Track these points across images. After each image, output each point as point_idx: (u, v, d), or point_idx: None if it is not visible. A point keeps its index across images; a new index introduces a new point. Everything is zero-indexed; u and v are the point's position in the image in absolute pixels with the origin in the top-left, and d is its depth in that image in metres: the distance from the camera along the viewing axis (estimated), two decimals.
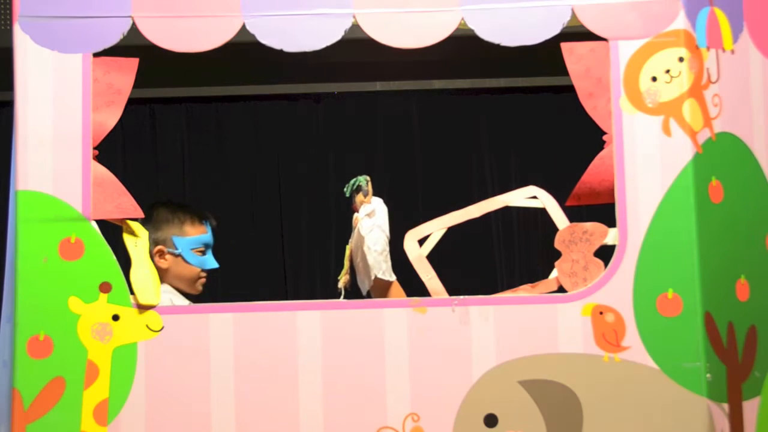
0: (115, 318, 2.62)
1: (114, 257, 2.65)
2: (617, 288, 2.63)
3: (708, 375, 2.59)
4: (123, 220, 2.74)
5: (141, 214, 2.72)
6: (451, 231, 2.99)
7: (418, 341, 2.62)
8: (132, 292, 2.65)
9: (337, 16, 2.68)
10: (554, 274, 2.90)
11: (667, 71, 2.67)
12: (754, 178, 2.73)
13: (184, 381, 2.62)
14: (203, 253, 3.38)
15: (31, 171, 2.64)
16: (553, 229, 2.99)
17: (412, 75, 5.86)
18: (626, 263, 2.63)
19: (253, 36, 2.67)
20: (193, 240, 3.35)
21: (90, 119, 2.66)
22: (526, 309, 2.65)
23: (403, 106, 6.03)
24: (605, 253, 2.76)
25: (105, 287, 2.63)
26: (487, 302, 2.65)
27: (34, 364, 2.60)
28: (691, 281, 2.62)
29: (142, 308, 2.64)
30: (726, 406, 2.61)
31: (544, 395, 2.61)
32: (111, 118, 2.71)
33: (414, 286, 2.93)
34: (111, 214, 2.68)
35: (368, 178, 3.11)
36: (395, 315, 2.63)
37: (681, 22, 2.67)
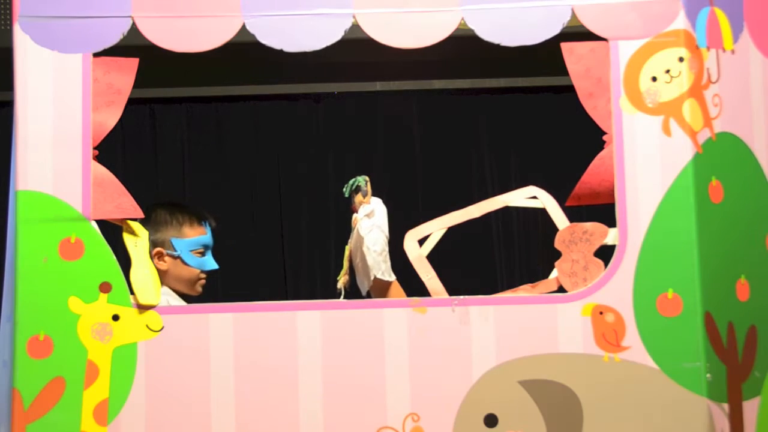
0: (115, 318, 2.62)
1: (114, 257, 2.65)
2: (617, 288, 2.63)
3: (708, 375, 2.59)
4: (123, 220, 2.74)
5: (141, 215, 2.72)
6: (451, 231, 2.99)
7: (418, 341, 2.62)
8: (132, 292, 2.65)
9: (337, 16, 2.67)
10: (554, 274, 2.90)
11: (667, 71, 2.67)
12: (754, 178, 2.73)
13: (184, 381, 2.62)
14: (202, 254, 3.37)
15: (31, 171, 2.64)
16: (553, 229, 2.99)
17: (412, 75, 5.86)
18: (626, 263, 2.63)
19: (253, 36, 2.67)
20: (191, 241, 3.34)
21: (90, 119, 2.66)
22: (526, 309, 2.65)
23: (403, 106, 6.03)
24: (605, 253, 2.76)
25: (105, 287, 2.63)
26: (487, 302, 2.65)
27: (34, 364, 2.60)
28: (691, 281, 2.62)
29: (142, 308, 2.64)
30: (726, 406, 2.61)
31: (544, 395, 2.61)
32: (111, 118, 2.71)
33: (414, 286, 2.93)
34: (111, 214, 2.68)
35: (367, 178, 3.11)
36: (395, 315, 2.63)
37: (681, 22, 2.67)
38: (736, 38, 2.73)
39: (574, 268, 2.81)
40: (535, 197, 3.13)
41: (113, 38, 2.67)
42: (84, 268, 2.63)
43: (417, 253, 2.87)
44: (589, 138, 3.12)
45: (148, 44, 2.66)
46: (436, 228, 2.97)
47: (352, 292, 3.11)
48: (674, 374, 2.60)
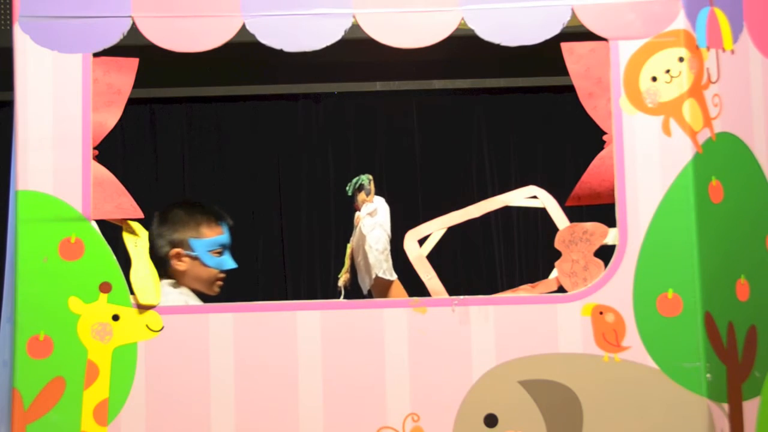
0: (115, 318, 2.62)
1: (114, 257, 2.65)
2: (617, 288, 2.63)
3: (708, 375, 2.59)
4: (123, 220, 2.74)
5: (141, 215, 2.72)
6: (451, 231, 2.99)
7: (418, 341, 2.62)
8: (132, 292, 2.65)
9: (337, 16, 2.67)
10: (554, 274, 2.90)
11: (667, 71, 2.67)
12: (754, 178, 2.73)
13: (184, 381, 2.62)
14: (220, 254, 3.36)
15: (31, 171, 2.64)
16: (553, 229, 2.99)
17: (412, 75, 5.86)
18: (626, 263, 2.63)
19: (253, 36, 2.67)
20: (209, 242, 3.33)
21: (90, 119, 2.66)
22: (526, 309, 2.65)
23: (403, 106, 6.03)
24: (605, 253, 2.76)
25: (105, 287, 2.63)
26: (487, 302, 2.65)
27: (34, 364, 2.60)
28: (691, 281, 2.62)
29: (142, 308, 2.64)
30: (726, 406, 2.61)
31: (544, 395, 2.61)
32: (111, 118, 2.71)
33: (414, 286, 2.93)
34: (111, 214, 2.68)
35: (371, 177, 3.11)
36: (395, 315, 2.63)
37: (681, 22, 2.67)
38: (735, 38, 2.73)
39: (574, 268, 2.81)
40: (535, 197, 3.13)
41: (113, 38, 2.67)
42: (84, 268, 2.63)
43: (417, 253, 2.87)
44: (589, 138, 3.13)
45: (148, 44, 2.66)
46: (436, 228, 2.97)
47: (353, 291, 3.12)
48: (674, 374, 2.60)
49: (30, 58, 2.66)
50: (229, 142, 5.99)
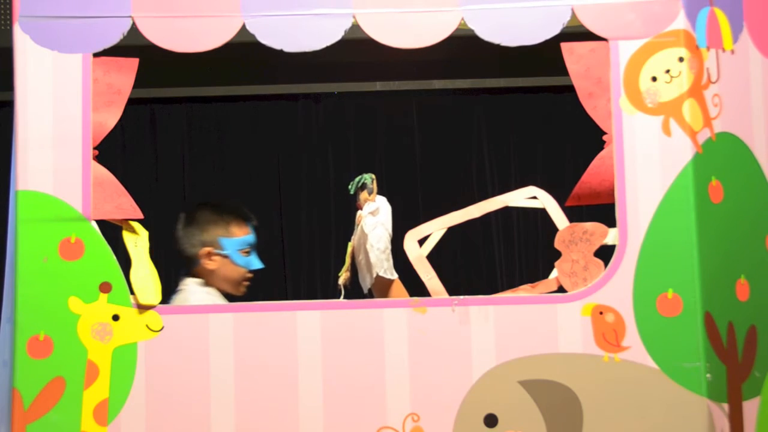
0: (115, 318, 2.63)
1: (114, 257, 2.65)
2: (617, 288, 2.63)
3: (708, 375, 2.59)
4: (123, 220, 2.74)
5: (141, 215, 2.72)
6: (451, 231, 2.99)
7: (418, 341, 2.62)
8: (132, 292, 2.65)
9: (337, 16, 2.68)
10: (554, 274, 2.90)
11: (667, 71, 2.67)
12: (754, 178, 2.73)
13: (184, 381, 2.62)
14: (248, 253, 3.37)
15: (31, 171, 2.64)
16: (553, 229, 2.99)
17: (412, 75, 5.86)
18: (626, 263, 2.63)
19: (253, 36, 2.67)
20: (239, 241, 3.34)
21: (90, 119, 2.66)
22: (526, 309, 2.65)
23: (403, 106, 6.03)
24: (605, 253, 2.76)
25: (105, 287, 2.63)
26: (487, 302, 2.65)
27: (34, 364, 2.60)
28: (691, 281, 2.62)
29: (142, 308, 2.64)
30: (726, 406, 2.61)
31: (544, 395, 2.61)
32: (111, 118, 2.71)
33: (414, 286, 2.93)
34: (111, 214, 2.69)
35: (373, 176, 3.12)
36: (395, 315, 2.63)
37: (681, 22, 2.67)
38: (735, 38, 2.73)
39: (574, 268, 2.81)
40: (535, 197, 3.13)
41: (113, 38, 2.67)
42: (84, 268, 2.63)
43: (417, 253, 2.87)
44: (589, 138, 3.13)
45: (148, 44, 2.66)
46: (436, 228, 2.97)
47: (353, 290, 3.12)
48: (674, 374, 2.60)
49: (30, 58, 2.66)
50: (229, 142, 6.00)
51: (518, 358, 2.62)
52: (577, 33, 2.71)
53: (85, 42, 2.67)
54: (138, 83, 2.73)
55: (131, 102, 2.77)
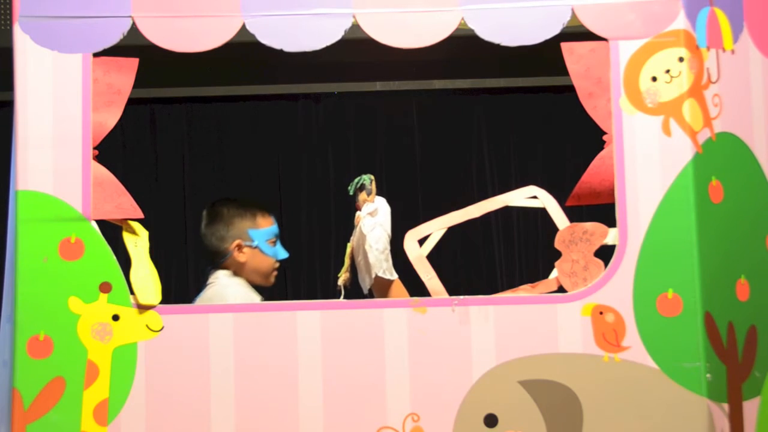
0: (115, 318, 2.63)
1: (114, 257, 2.65)
2: (617, 288, 2.63)
3: (708, 375, 2.59)
4: (123, 220, 2.74)
5: (141, 215, 2.72)
6: (451, 231, 2.99)
7: (418, 341, 2.62)
8: (132, 292, 2.65)
9: (337, 16, 2.67)
10: (554, 274, 2.90)
11: (667, 71, 2.67)
12: (754, 178, 2.73)
13: (184, 381, 2.62)
14: (274, 243, 3.42)
15: (31, 171, 2.64)
16: (553, 229, 2.99)
17: (412, 75, 5.86)
18: (626, 263, 2.63)
19: (253, 36, 2.67)
20: (267, 231, 3.40)
21: (90, 119, 2.66)
22: (526, 309, 2.65)
23: (403, 106, 6.03)
24: (605, 253, 2.76)
25: (105, 287, 2.63)
26: (487, 302, 2.65)
27: (34, 364, 2.60)
28: (691, 281, 2.62)
29: (142, 308, 2.64)
30: (726, 406, 2.61)
31: (544, 395, 2.61)
32: (111, 118, 2.71)
33: (414, 286, 2.93)
34: (111, 214, 2.69)
35: (372, 177, 3.13)
36: (395, 315, 2.63)
37: (681, 22, 2.67)
38: (736, 38, 2.73)
39: (574, 268, 2.81)
40: (535, 197, 3.13)
41: (113, 38, 2.67)
42: (84, 268, 2.63)
43: (417, 253, 2.87)
44: (589, 138, 3.12)
45: (148, 44, 2.66)
46: (436, 228, 2.97)
47: (353, 290, 3.12)
48: (674, 374, 2.60)
49: (30, 58, 2.66)
50: (229, 142, 6.00)
51: (518, 358, 2.62)
52: (577, 33, 2.71)
53: (85, 42, 2.67)
54: (138, 83, 2.73)
55: (131, 102, 2.77)
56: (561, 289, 2.83)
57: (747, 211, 2.70)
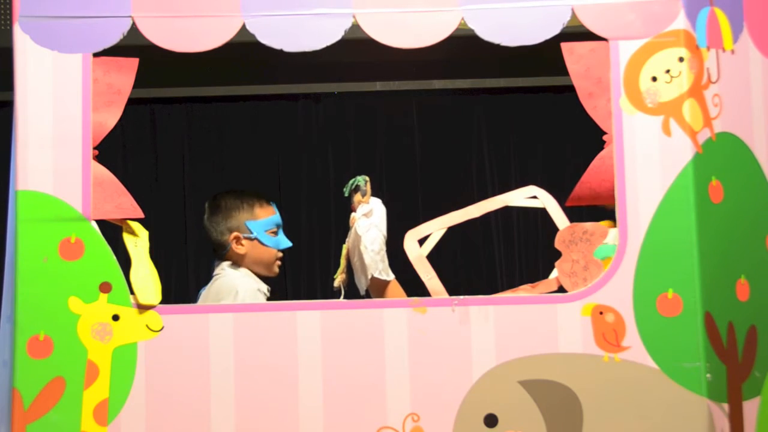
0: (115, 318, 2.62)
1: (114, 257, 2.65)
2: (617, 288, 2.63)
3: (708, 375, 2.59)
4: (123, 220, 2.74)
5: (141, 215, 2.72)
6: (451, 231, 2.99)
7: (418, 341, 2.62)
8: (132, 292, 2.65)
9: (337, 16, 2.67)
10: (554, 274, 2.90)
11: (667, 71, 2.67)
12: (754, 178, 2.73)
13: (184, 381, 2.62)
14: (275, 233, 3.41)
15: (31, 171, 2.64)
16: (553, 229, 2.99)
17: (412, 75, 5.86)
18: (626, 263, 2.63)
19: (253, 36, 2.67)
20: (265, 222, 3.39)
21: (90, 119, 2.66)
22: (526, 309, 2.65)
23: (403, 106, 6.03)
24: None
25: (105, 287, 2.63)
26: (487, 302, 2.65)
27: (34, 364, 2.60)
28: (691, 281, 2.62)
29: (142, 308, 2.64)
30: (726, 406, 2.61)
31: (544, 395, 2.61)
32: (111, 118, 2.71)
33: (414, 286, 2.93)
34: (111, 214, 2.69)
35: (367, 178, 3.12)
36: (395, 315, 2.63)
37: (681, 22, 2.67)
38: (736, 38, 2.73)
39: (574, 268, 2.81)
40: (535, 197, 3.13)
41: (113, 38, 2.67)
42: (84, 268, 2.63)
43: (417, 253, 2.87)
44: (589, 138, 3.12)
45: (148, 44, 2.66)
46: (436, 228, 2.97)
47: (352, 291, 3.12)
48: (674, 374, 2.60)
49: (30, 58, 2.66)
50: (229, 142, 6.00)
51: (518, 358, 2.62)
52: (577, 33, 2.71)
53: (85, 42, 2.67)
54: (138, 83, 2.73)
55: (131, 102, 2.77)
56: (561, 289, 2.83)
57: (747, 211, 2.70)
